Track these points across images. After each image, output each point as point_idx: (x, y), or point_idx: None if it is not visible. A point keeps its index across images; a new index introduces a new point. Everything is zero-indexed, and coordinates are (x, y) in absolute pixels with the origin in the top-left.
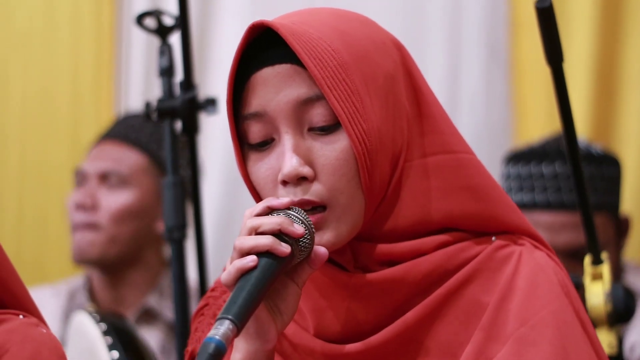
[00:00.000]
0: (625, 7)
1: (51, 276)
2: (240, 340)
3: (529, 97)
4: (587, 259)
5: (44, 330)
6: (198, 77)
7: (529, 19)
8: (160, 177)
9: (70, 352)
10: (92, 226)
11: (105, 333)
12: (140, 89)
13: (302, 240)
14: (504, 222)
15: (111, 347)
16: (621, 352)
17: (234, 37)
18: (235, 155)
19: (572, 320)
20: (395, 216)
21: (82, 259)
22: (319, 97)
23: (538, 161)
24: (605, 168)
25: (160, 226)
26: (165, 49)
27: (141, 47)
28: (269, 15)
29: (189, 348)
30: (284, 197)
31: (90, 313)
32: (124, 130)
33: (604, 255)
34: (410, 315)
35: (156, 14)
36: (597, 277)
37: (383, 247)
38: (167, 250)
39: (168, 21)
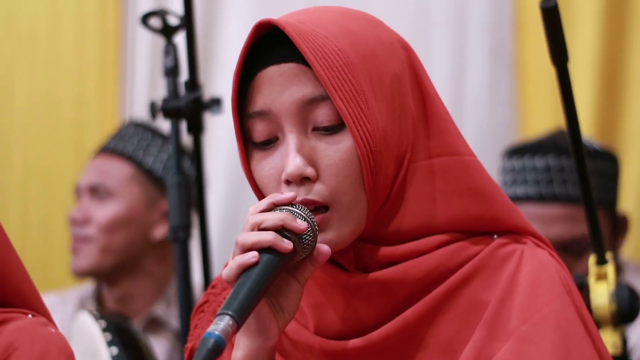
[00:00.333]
0: (630, 7)
1: (56, 280)
2: (241, 337)
3: (534, 97)
4: (592, 259)
5: (53, 330)
6: (203, 77)
7: (534, 20)
8: (149, 184)
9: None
10: (85, 239)
11: (105, 330)
12: (145, 89)
13: (304, 238)
14: (506, 222)
15: (110, 343)
16: (625, 352)
17: (238, 37)
18: (239, 154)
19: (574, 318)
20: (399, 218)
21: (78, 272)
22: (324, 97)
23: (531, 154)
24: (601, 163)
25: (157, 233)
26: (170, 49)
27: (146, 47)
28: (274, 14)
29: (189, 345)
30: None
31: (90, 312)
32: (112, 142)
33: (609, 256)
34: (410, 312)
35: (161, 13)
36: (601, 277)
37: (385, 250)
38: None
39: (173, 21)
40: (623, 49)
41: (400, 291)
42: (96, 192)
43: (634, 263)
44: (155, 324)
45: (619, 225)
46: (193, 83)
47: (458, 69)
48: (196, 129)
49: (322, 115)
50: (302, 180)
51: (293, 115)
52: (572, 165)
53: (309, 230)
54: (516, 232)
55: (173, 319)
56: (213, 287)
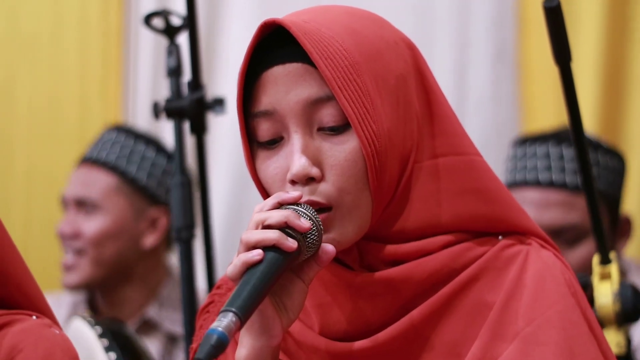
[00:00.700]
0: (633, 7)
1: (58, 282)
2: (245, 336)
3: (537, 96)
4: (596, 259)
5: (57, 331)
6: (206, 77)
7: (537, 19)
8: (134, 193)
9: None
10: (77, 252)
11: (101, 336)
12: (148, 89)
13: (309, 237)
14: (511, 223)
15: (108, 349)
16: (629, 352)
17: (241, 37)
18: (244, 153)
19: (579, 319)
20: (404, 217)
21: (71, 287)
22: (330, 98)
23: (533, 142)
24: (610, 159)
25: (148, 242)
26: (173, 49)
27: (149, 47)
28: (277, 14)
29: (194, 345)
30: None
31: (85, 318)
32: (94, 152)
33: (612, 255)
34: (416, 313)
35: (164, 14)
36: (605, 276)
37: (389, 248)
38: (166, 259)
39: (176, 21)
40: (626, 48)
41: (405, 291)
42: (82, 205)
43: (638, 263)
44: (148, 326)
45: (622, 227)
46: (196, 83)
47: (461, 68)
48: (199, 129)
49: (327, 115)
50: (307, 180)
51: (298, 115)
52: (572, 154)
53: (314, 230)
54: (521, 233)
55: (166, 320)
56: (218, 287)
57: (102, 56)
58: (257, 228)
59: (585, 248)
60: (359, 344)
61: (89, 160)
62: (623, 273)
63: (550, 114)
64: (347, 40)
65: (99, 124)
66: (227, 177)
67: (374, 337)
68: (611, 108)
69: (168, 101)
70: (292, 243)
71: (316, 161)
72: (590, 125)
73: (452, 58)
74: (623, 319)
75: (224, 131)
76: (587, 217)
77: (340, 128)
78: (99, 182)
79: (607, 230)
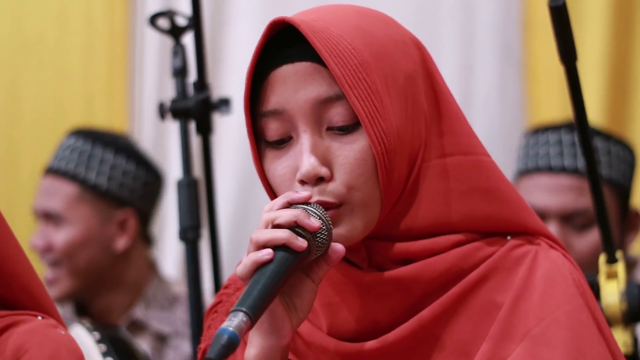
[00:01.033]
0: (638, 6)
1: None
2: (254, 335)
3: (543, 96)
4: (602, 258)
5: (63, 332)
6: (211, 77)
7: (543, 19)
8: (97, 200)
9: None
10: (53, 265)
11: (99, 341)
12: (153, 90)
13: (319, 236)
14: (520, 223)
15: (106, 355)
16: (636, 351)
17: (247, 37)
18: (252, 153)
19: (588, 320)
20: (411, 216)
21: (54, 299)
22: (339, 97)
23: (544, 130)
24: (621, 149)
25: (120, 245)
26: (178, 50)
27: (154, 48)
28: (283, 14)
29: (202, 345)
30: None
31: (82, 324)
32: (55, 161)
33: (619, 254)
34: (425, 313)
35: (169, 14)
36: (611, 275)
37: (398, 246)
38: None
39: (181, 21)
40: (631, 47)
41: (415, 291)
42: (50, 217)
43: None
44: (135, 327)
45: (631, 220)
46: (201, 83)
47: (467, 67)
48: (205, 130)
49: (337, 115)
50: (316, 180)
51: (307, 114)
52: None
53: (323, 229)
54: (529, 233)
55: (153, 320)
56: (226, 287)
57: (107, 57)
58: (266, 227)
59: (596, 234)
60: (368, 344)
61: (51, 171)
62: (630, 266)
63: (556, 113)
64: (356, 39)
65: (105, 125)
66: (233, 177)
67: (383, 337)
68: (617, 107)
69: (174, 102)
70: (302, 242)
71: (325, 161)
72: (597, 123)
73: (458, 58)
74: (630, 318)
75: (230, 131)
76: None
77: (350, 127)
78: (61, 193)
79: (617, 222)
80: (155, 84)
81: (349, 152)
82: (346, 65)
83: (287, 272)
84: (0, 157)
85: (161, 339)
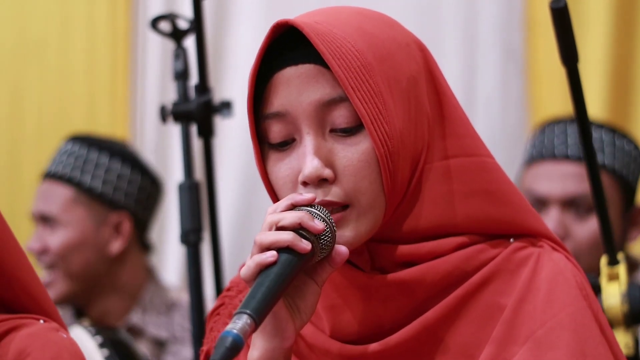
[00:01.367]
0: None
1: None
2: (258, 338)
3: (545, 98)
4: (604, 260)
5: (65, 335)
6: (213, 80)
7: (545, 20)
8: (92, 203)
9: None
10: (49, 268)
11: (102, 345)
12: (155, 93)
13: (323, 238)
14: (523, 226)
15: (108, 359)
16: (638, 353)
17: (248, 40)
18: (255, 155)
19: (590, 322)
20: (414, 218)
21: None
22: (342, 99)
23: (550, 124)
24: (626, 143)
25: (114, 248)
26: (180, 53)
27: (156, 51)
28: (284, 17)
29: (205, 348)
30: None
31: (85, 327)
32: (52, 166)
33: (620, 256)
34: (428, 316)
35: (171, 17)
36: (613, 277)
37: (401, 249)
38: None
39: (183, 24)
40: (633, 49)
41: (418, 293)
42: (46, 220)
43: None
44: (132, 332)
45: (634, 216)
46: (203, 86)
47: (469, 69)
48: (206, 133)
49: (340, 117)
50: (319, 182)
51: (310, 116)
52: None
53: (327, 231)
54: (532, 235)
55: (150, 325)
56: (228, 289)
57: (109, 60)
58: (270, 229)
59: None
60: (372, 346)
61: (48, 175)
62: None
63: (558, 114)
64: (359, 41)
65: (107, 128)
66: (235, 180)
67: (387, 340)
68: (619, 107)
69: (175, 104)
70: (306, 244)
71: (328, 163)
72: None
73: (460, 60)
74: (631, 320)
75: (232, 134)
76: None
77: (353, 129)
78: (56, 197)
79: (619, 215)
80: (157, 87)
81: (353, 153)
82: (349, 67)
83: (291, 274)
84: (2, 161)
85: (159, 345)
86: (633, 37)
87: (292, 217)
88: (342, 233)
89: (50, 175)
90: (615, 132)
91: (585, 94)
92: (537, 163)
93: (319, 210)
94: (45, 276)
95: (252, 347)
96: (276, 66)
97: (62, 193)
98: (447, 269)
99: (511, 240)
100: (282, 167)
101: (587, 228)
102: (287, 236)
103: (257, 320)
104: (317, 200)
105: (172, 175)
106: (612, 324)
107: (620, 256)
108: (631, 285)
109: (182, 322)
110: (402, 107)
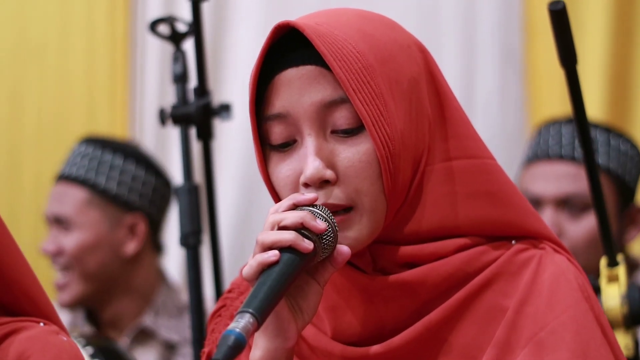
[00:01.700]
0: (638, 9)
1: None
2: (260, 338)
3: (544, 100)
4: (603, 261)
5: (65, 338)
6: (212, 83)
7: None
8: (107, 204)
9: None
10: (64, 269)
11: (93, 356)
12: (154, 96)
13: (325, 238)
14: (524, 227)
15: None
16: (637, 354)
17: (247, 43)
18: (257, 156)
19: (592, 324)
20: (416, 220)
21: (65, 305)
22: (344, 100)
23: (547, 124)
24: (622, 142)
25: (129, 249)
26: (179, 56)
27: (155, 54)
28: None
29: (206, 349)
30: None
31: (75, 337)
32: (66, 168)
33: (620, 257)
34: (431, 318)
35: (170, 20)
36: (612, 279)
37: (402, 250)
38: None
39: (181, 27)
40: (632, 50)
41: (420, 295)
42: (60, 222)
43: None
44: (144, 335)
45: (631, 215)
46: (202, 89)
47: (468, 72)
48: (205, 135)
49: (341, 118)
50: (320, 183)
51: (312, 118)
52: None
53: (329, 231)
54: (534, 237)
55: (162, 328)
56: (230, 291)
57: (109, 63)
58: (272, 229)
59: (591, 220)
60: (374, 348)
61: (62, 177)
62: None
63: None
64: (360, 43)
65: (107, 130)
66: (234, 183)
67: (389, 342)
68: (617, 109)
69: (174, 107)
70: (308, 244)
71: (330, 164)
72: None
73: (458, 62)
74: (631, 322)
75: (231, 137)
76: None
77: (354, 130)
78: (71, 198)
79: (614, 214)
80: (156, 89)
81: (354, 154)
82: (351, 68)
83: (293, 273)
84: (2, 164)
85: (170, 347)
86: (631, 38)
87: (294, 216)
88: (346, 235)
89: (64, 177)
90: (611, 131)
91: (584, 95)
92: (533, 164)
93: (320, 210)
94: (59, 278)
95: (254, 347)
96: (277, 68)
97: (76, 195)
98: (448, 270)
99: (513, 242)
100: (284, 169)
101: (582, 227)
102: (289, 236)
103: (259, 319)
104: (319, 202)
105: (171, 178)
106: (612, 326)
107: (619, 257)
108: (631, 286)
109: None
110: (403, 109)
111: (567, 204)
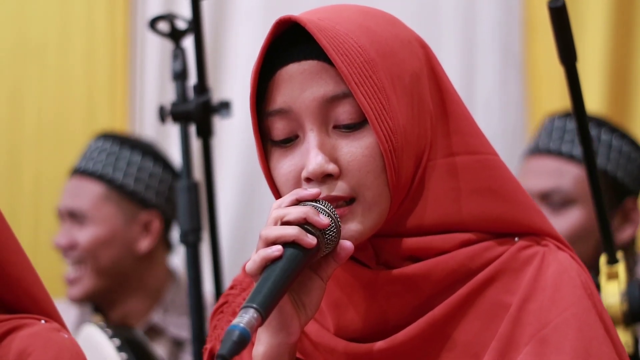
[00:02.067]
0: (638, 6)
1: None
2: (263, 333)
3: (544, 98)
4: (603, 258)
5: (66, 335)
6: (212, 80)
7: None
8: (123, 200)
9: None
10: (77, 263)
11: (113, 336)
12: (154, 94)
13: (328, 233)
14: (526, 224)
15: (120, 349)
16: (637, 352)
17: (247, 40)
18: (258, 152)
19: (595, 322)
20: (418, 214)
21: (75, 300)
22: (346, 95)
23: (548, 116)
24: (625, 144)
25: (142, 246)
26: (178, 53)
27: (155, 51)
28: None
29: (208, 346)
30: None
31: (101, 327)
32: (82, 162)
33: (619, 255)
34: (435, 313)
35: (169, 17)
36: (612, 276)
37: (405, 242)
38: (168, 264)
39: (181, 25)
40: (631, 48)
41: (422, 290)
42: (74, 216)
43: None
44: (153, 332)
45: (626, 211)
46: (202, 86)
47: (468, 71)
48: (205, 133)
49: (344, 113)
50: (323, 178)
51: (314, 113)
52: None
53: (332, 226)
54: (537, 234)
55: (171, 325)
56: (232, 287)
57: (108, 61)
58: (276, 224)
59: (574, 215)
60: (377, 344)
61: (78, 171)
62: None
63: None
64: (362, 37)
65: (107, 128)
66: (234, 180)
67: (393, 337)
68: (617, 107)
69: (174, 105)
70: (311, 239)
71: (332, 158)
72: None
73: (458, 61)
74: (631, 319)
75: (231, 134)
76: (576, 185)
77: (357, 125)
78: (87, 193)
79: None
80: (156, 87)
81: (357, 148)
82: (353, 63)
83: (296, 268)
84: (2, 164)
85: (178, 344)
86: (631, 36)
87: (297, 212)
88: (347, 227)
89: (81, 172)
90: (615, 131)
91: (583, 93)
92: (526, 158)
93: (323, 205)
94: (71, 272)
95: (257, 342)
96: (279, 63)
97: (93, 189)
98: (452, 266)
99: (516, 239)
100: (285, 164)
101: (563, 222)
102: (292, 231)
103: (263, 314)
104: (321, 196)
105: None
106: None
107: (619, 255)
108: (630, 284)
109: None
110: (405, 104)
111: (547, 199)
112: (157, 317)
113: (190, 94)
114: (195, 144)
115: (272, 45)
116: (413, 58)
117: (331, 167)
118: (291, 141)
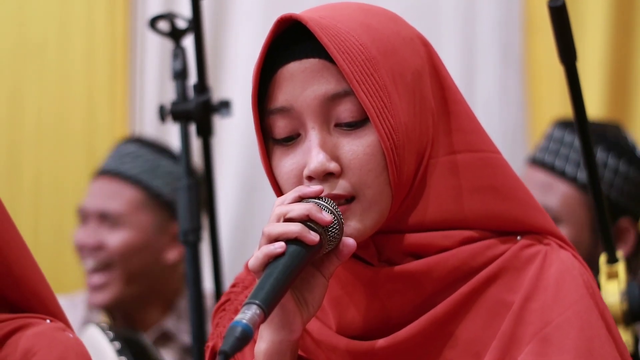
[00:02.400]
0: (638, 5)
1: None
2: (265, 330)
3: (544, 98)
4: (603, 258)
5: (71, 335)
6: (212, 79)
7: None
8: (159, 208)
9: None
10: (104, 266)
11: (120, 352)
12: (154, 93)
13: (330, 230)
14: (529, 222)
15: (120, 353)
16: (637, 351)
17: (247, 40)
18: (259, 150)
19: (597, 321)
20: (420, 212)
21: (100, 306)
22: (347, 93)
23: (556, 122)
24: (633, 170)
25: (170, 257)
26: (178, 52)
27: (155, 51)
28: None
29: (210, 344)
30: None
31: (103, 329)
32: (114, 164)
33: (619, 254)
34: (437, 311)
35: (169, 17)
36: (612, 275)
37: (407, 238)
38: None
39: (181, 24)
40: (632, 47)
41: (424, 287)
42: (105, 217)
43: None
44: (165, 338)
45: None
46: (202, 86)
47: (468, 70)
48: (205, 132)
49: (345, 111)
50: (325, 176)
51: (315, 111)
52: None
53: (335, 223)
54: (539, 233)
55: (183, 333)
56: (234, 285)
57: (108, 60)
58: (278, 221)
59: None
60: (379, 342)
61: (110, 173)
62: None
63: (557, 114)
64: (363, 35)
65: (107, 129)
66: (234, 179)
67: (394, 335)
68: (617, 107)
69: (174, 104)
70: (314, 236)
71: (334, 157)
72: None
73: (458, 61)
74: (630, 318)
75: (231, 134)
76: (563, 205)
77: (358, 123)
78: (123, 196)
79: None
80: (156, 86)
81: (358, 147)
82: (354, 61)
83: (299, 265)
84: (2, 164)
85: (187, 351)
86: (632, 35)
87: (300, 208)
88: (349, 225)
89: (114, 173)
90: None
91: (583, 93)
92: (526, 164)
93: (326, 202)
94: (95, 278)
95: (260, 339)
96: (280, 61)
97: (129, 193)
98: (454, 263)
99: (518, 237)
100: (287, 162)
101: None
102: (295, 227)
103: (266, 310)
104: (323, 193)
105: None
106: None
107: (619, 254)
108: (630, 283)
109: None
110: (407, 101)
111: None
112: (170, 323)
113: (191, 93)
114: (196, 143)
115: (273, 43)
116: (415, 56)
117: (332, 166)
118: (293, 139)
